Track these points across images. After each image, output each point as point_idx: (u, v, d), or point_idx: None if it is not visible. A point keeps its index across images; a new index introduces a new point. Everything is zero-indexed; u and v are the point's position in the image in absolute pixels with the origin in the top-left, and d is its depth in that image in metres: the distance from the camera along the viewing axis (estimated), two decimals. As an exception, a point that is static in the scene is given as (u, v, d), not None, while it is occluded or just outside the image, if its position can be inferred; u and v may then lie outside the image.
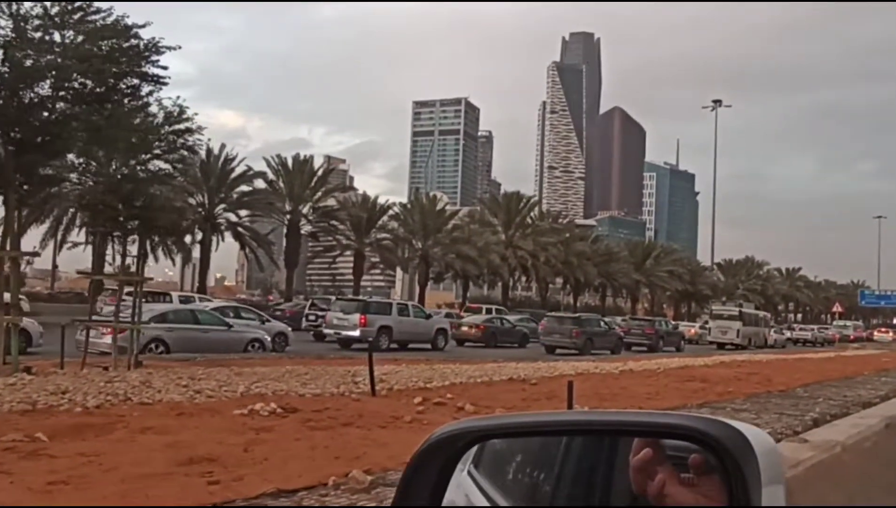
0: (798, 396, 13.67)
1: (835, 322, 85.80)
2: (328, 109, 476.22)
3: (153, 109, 17.14)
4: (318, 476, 5.78)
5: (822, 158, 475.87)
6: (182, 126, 17.56)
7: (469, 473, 1.45)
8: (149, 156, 17.32)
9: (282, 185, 64.61)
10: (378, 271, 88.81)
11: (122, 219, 17.17)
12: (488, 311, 49.75)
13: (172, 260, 58.20)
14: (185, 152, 18.32)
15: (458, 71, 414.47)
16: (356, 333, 29.38)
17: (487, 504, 1.42)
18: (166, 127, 17.26)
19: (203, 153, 58.33)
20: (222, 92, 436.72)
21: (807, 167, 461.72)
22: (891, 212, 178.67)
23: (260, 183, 63.10)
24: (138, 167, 17.85)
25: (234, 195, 60.43)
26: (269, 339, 24.23)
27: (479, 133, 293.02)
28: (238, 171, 59.87)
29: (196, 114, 18.20)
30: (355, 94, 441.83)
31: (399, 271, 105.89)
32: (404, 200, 75.62)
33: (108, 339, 18.99)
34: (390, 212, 70.92)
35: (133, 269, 17.20)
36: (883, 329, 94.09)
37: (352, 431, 8.04)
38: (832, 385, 15.98)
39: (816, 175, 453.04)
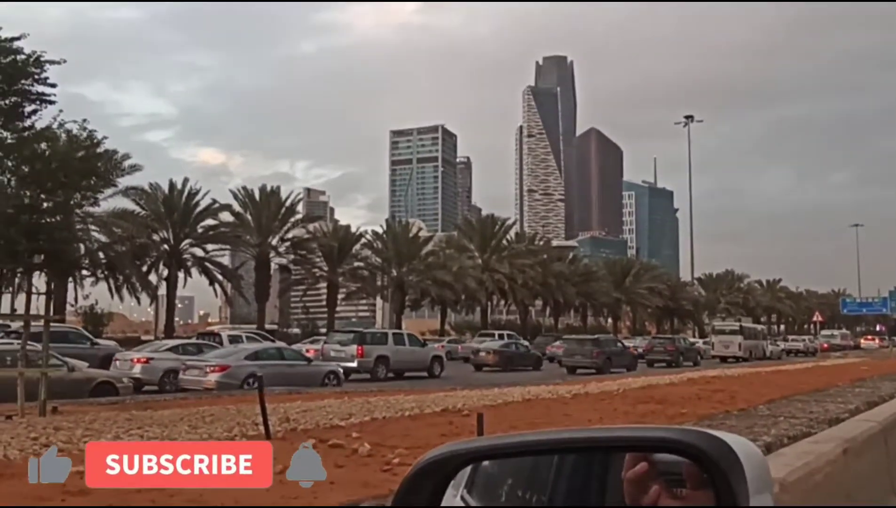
0: (758, 415, 12.33)
1: (822, 332, 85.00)
2: (309, 143, 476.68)
3: (57, 133, 15.81)
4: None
5: (796, 170, 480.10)
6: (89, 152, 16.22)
7: (462, 497, 1.42)
8: (51, 185, 15.86)
9: (249, 217, 63.20)
10: (361, 300, 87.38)
11: (24, 254, 15.79)
12: (500, 337, 50.11)
13: (137, 299, 56.34)
14: (95, 180, 16.89)
15: (435, 99, 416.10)
16: (353, 364, 29.38)
17: None
18: (69, 154, 15.87)
19: (166, 187, 57.55)
20: (203, 131, 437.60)
21: (782, 180, 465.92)
22: (867, 220, 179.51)
23: (227, 216, 61.74)
24: (42, 196, 16.45)
25: (200, 229, 58.91)
26: (342, 371, 25.79)
27: (458, 159, 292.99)
28: (203, 204, 58.38)
29: (106, 138, 16.91)
30: (335, 127, 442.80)
31: (380, 300, 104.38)
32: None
33: (213, 377, 21.20)
34: (363, 240, 69.64)
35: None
36: (869, 337, 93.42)
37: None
38: (800, 400, 14.65)
39: (792, 187, 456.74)
